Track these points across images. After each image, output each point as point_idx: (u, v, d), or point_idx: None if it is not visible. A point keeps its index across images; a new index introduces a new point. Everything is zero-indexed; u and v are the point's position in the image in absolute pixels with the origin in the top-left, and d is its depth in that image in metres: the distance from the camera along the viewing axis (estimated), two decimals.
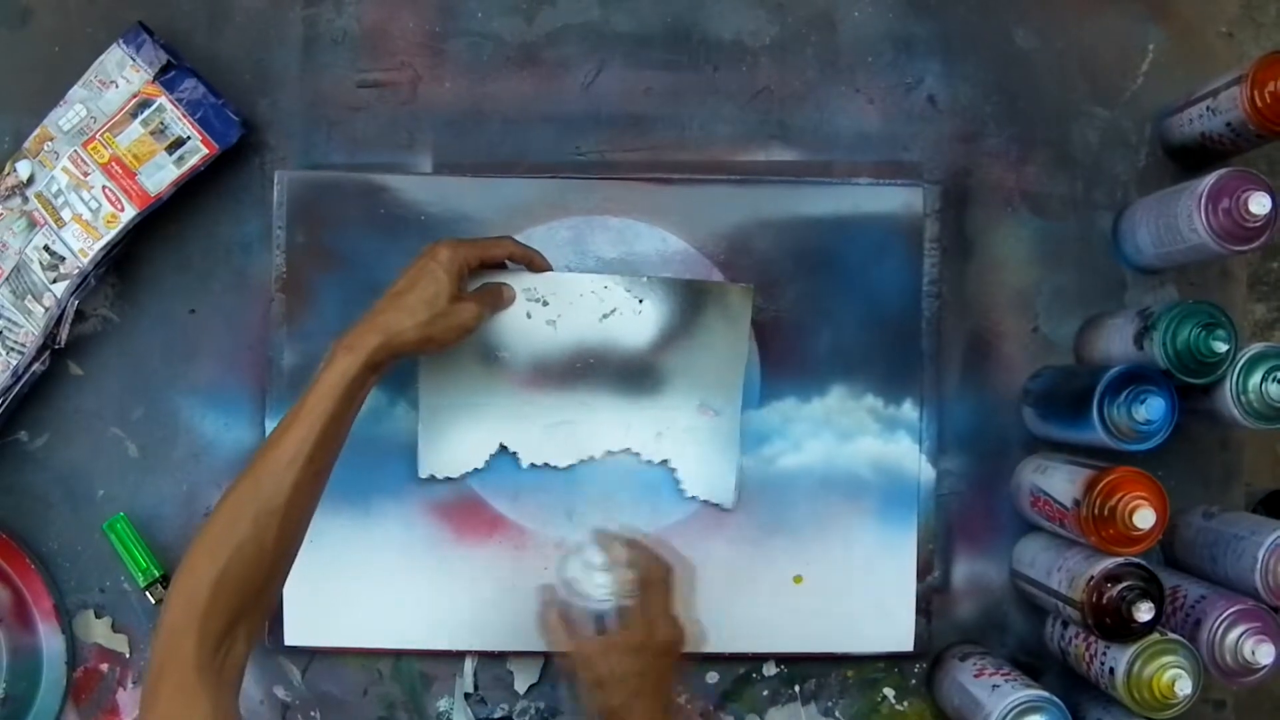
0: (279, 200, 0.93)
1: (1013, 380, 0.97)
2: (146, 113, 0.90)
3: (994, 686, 0.86)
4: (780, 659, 0.96)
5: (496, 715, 0.96)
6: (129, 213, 0.90)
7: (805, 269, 0.94)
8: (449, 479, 0.92)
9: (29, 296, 0.90)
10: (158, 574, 0.93)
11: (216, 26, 0.95)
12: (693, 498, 0.93)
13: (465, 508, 0.93)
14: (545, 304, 0.90)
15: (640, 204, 0.94)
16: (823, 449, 0.94)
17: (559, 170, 0.95)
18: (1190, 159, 0.96)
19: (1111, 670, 0.84)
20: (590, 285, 0.91)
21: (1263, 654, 0.82)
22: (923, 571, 0.95)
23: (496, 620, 0.93)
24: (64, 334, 0.91)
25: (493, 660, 0.96)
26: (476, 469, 0.92)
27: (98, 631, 0.94)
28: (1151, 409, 0.82)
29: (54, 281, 0.90)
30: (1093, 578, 0.83)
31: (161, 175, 0.90)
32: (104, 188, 0.90)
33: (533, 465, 0.92)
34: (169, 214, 0.93)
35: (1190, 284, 0.98)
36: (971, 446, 0.97)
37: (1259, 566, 0.84)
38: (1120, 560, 0.83)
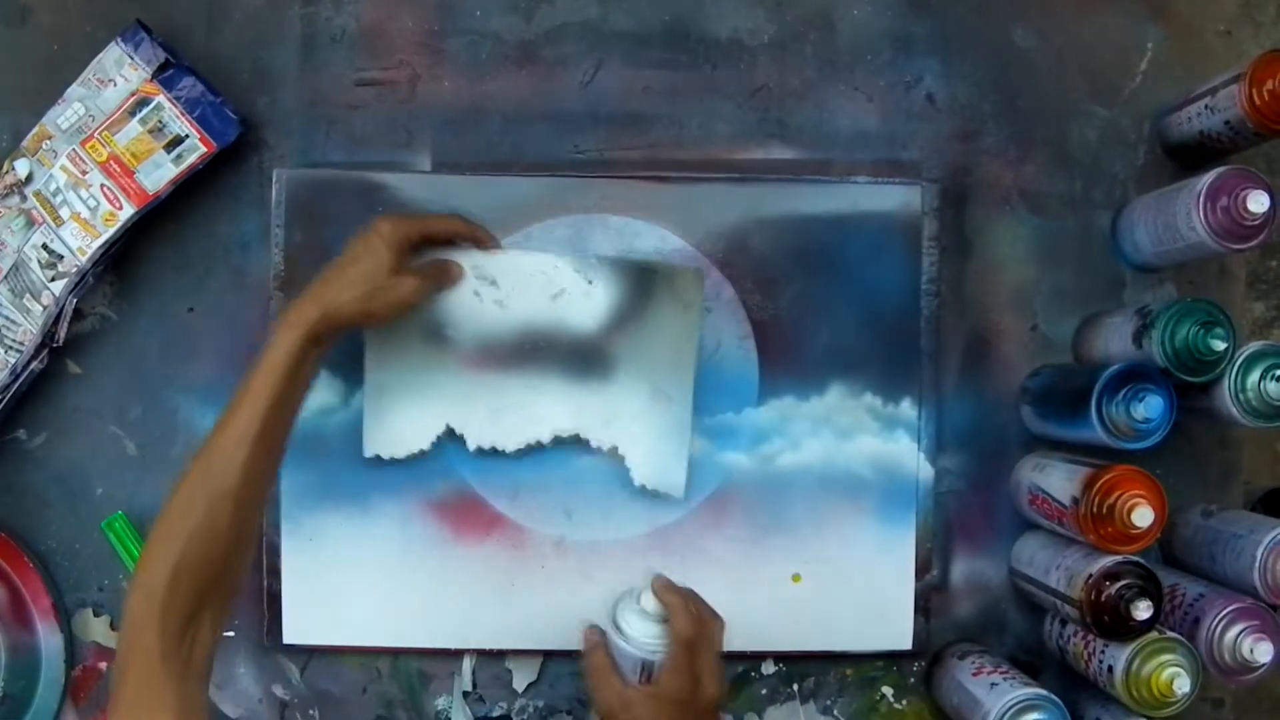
0: (277, 199, 0.93)
1: (1011, 379, 0.97)
2: (145, 111, 0.90)
3: (992, 685, 0.86)
4: (779, 657, 0.96)
5: (495, 714, 0.96)
6: (127, 211, 0.90)
7: (804, 267, 0.94)
8: (394, 459, 0.91)
9: (27, 295, 0.90)
10: None
11: (215, 25, 0.95)
12: (641, 486, 0.92)
13: (463, 506, 0.93)
14: (494, 283, 0.89)
15: (639, 202, 0.94)
16: (821, 448, 0.94)
17: (557, 169, 0.95)
18: (1189, 157, 0.96)
19: (1110, 668, 0.84)
20: (540, 265, 0.90)
21: (1261, 652, 0.82)
22: (921, 570, 0.95)
23: (495, 619, 0.93)
24: (62, 332, 0.91)
25: (491, 659, 0.96)
26: (423, 450, 0.91)
27: (96, 630, 0.94)
28: (1150, 407, 0.82)
29: (52, 280, 0.90)
30: (1091, 576, 0.83)
31: (160, 174, 0.90)
32: (102, 186, 0.90)
33: (479, 449, 0.91)
34: (167, 212, 0.93)
35: (1189, 282, 0.98)
36: (970, 445, 0.97)
37: (1257, 565, 0.84)
38: (1119, 558, 0.83)
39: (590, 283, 0.89)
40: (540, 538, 0.93)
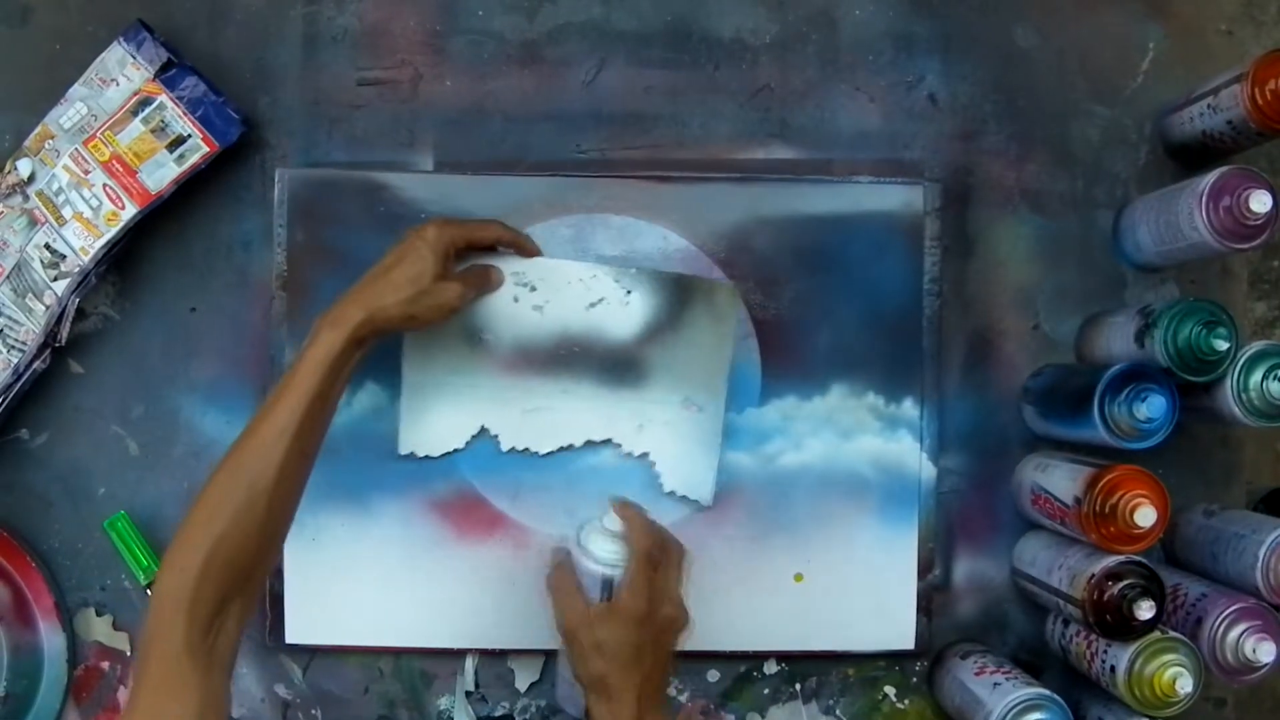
0: (280, 198, 0.93)
1: (1013, 378, 0.97)
2: (147, 111, 0.90)
3: (995, 684, 0.86)
4: (781, 657, 0.96)
5: (497, 714, 0.96)
6: (130, 211, 0.90)
7: (806, 267, 0.94)
8: (429, 457, 0.92)
9: (30, 294, 0.90)
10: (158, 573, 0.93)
11: (217, 24, 0.95)
12: (670, 493, 0.93)
13: (465, 506, 0.93)
14: (533, 289, 0.90)
15: (641, 202, 0.94)
16: (823, 447, 0.94)
17: (560, 168, 0.95)
18: (1191, 157, 0.96)
19: (1112, 668, 0.84)
20: (579, 273, 0.91)
21: (1263, 652, 0.82)
22: (923, 570, 0.95)
23: (497, 618, 0.93)
24: (65, 332, 0.91)
25: (494, 658, 0.96)
26: (457, 449, 0.92)
27: (98, 630, 0.94)
28: (1152, 407, 0.82)
29: (55, 279, 0.90)
30: (1094, 576, 0.83)
31: (162, 173, 0.90)
32: (105, 186, 0.90)
33: (513, 449, 0.92)
34: (170, 212, 0.93)
35: (1191, 282, 0.98)
36: (972, 445, 0.97)
37: (1260, 565, 0.84)
38: (1121, 558, 0.83)
39: (628, 292, 0.91)
40: (542, 538, 0.93)
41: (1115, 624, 0.82)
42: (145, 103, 0.90)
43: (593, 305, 0.91)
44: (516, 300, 0.90)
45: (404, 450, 0.92)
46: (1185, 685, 0.81)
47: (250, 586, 0.73)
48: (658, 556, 0.80)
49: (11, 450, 0.94)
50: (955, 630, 0.96)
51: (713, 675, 0.96)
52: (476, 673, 0.96)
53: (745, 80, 0.97)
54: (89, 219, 0.90)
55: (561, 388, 0.92)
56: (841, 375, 0.94)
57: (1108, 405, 0.84)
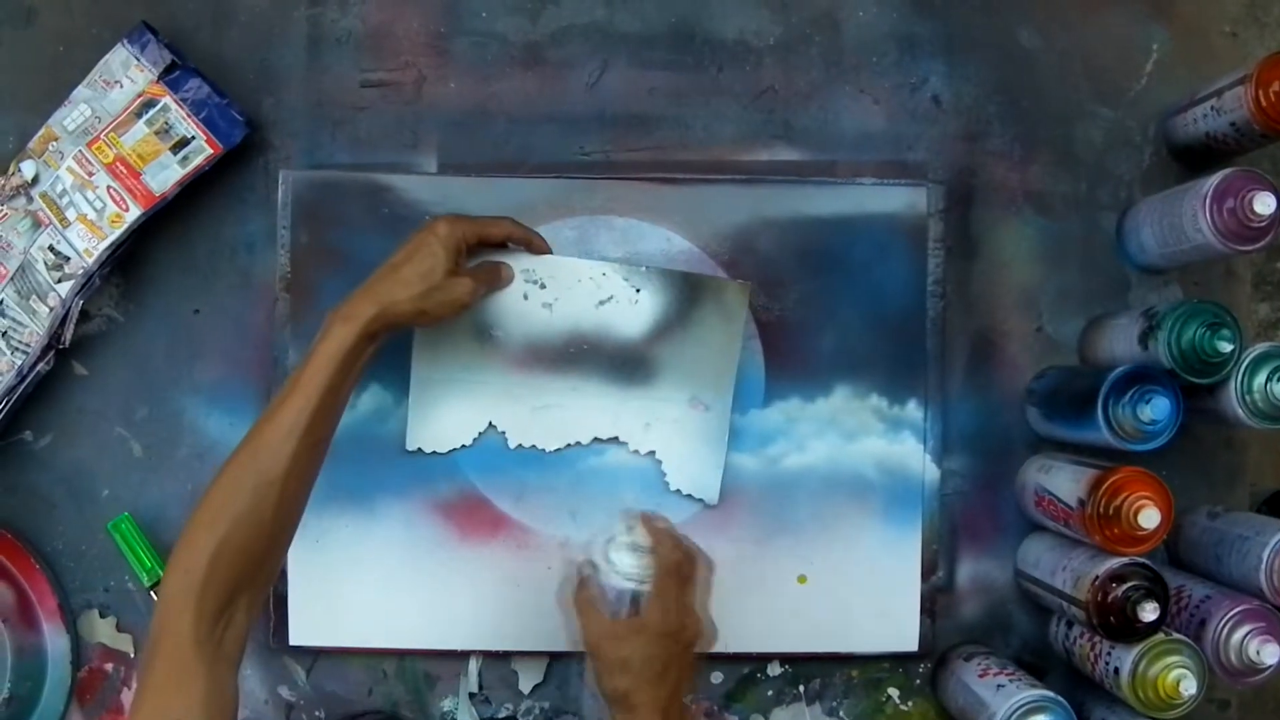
0: (283, 200, 0.93)
1: (1017, 380, 0.97)
2: (151, 112, 0.90)
3: (998, 686, 0.86)
4: (785, 659, 0.96)
5: (501, 715, 0.96)
6: (133, 213, 0.90)
7: (809, 269, 0.94)
8: (436, 454, 0.92)
9: (34, 296, 0.90)
10: (162, 574, 0.93)
11: (221, 26, 0.95)
12: (676, 491, 0.93)
13: (469, 507, 0.93)
14: (543, 287, 0.90)
15: (644, 204, 0.94)
16: (827, 449, 0.94)
17: (563, 170, 0.95)
18: (1194, 159, 0.96)
19: (1116, 670, 0.84)
20: (589, 271, 0.91)
21: (1268, 654, 0.82)
22: (927, 571, 0.95)
23: (501, 620, 0.93)
24: (68, 334, 0.91)
25: (497, 660, 0.96)
26: (464, 445, 0.92)
27: (102, 631, 0.94)
28: (1156, 409, 0.82)
29: (59, 281, 0.90)
30: (1097, 578, 0.83)
31: (166, 175, 0.90)
32: (109, 188, 0.90)
33: (520, 446, 0.92)
34: (173, 214, 0.93)
35: (1195, 284, 0.98)
36: (976, 446, 0.97)
37: (1264, 566, 0.84)
38: (1125, 560, 0.83)
39: (638, 291, 0.91)
40: (545, 539, 0.93)
41: (1119, 626, 0.82)
42: (149, 104, 0.90)
43: (602, 303, 0.91)
44: (526, 297, 0.90)
45: (411, 446, 0.92)
46: (1189, 687, 0.81)
47: (259, 581, 0.73)
48: (686, 571, 0.79)
49: (15, 452, 0.94)
50: (959, 632, 0.96)
51: (716, 677, 0.96)
52: (480, 674, 0.96)
53: (749, 82, 0.97)
54: (93, 221, 0.90)
55: (570, 385, 0.92)
56: (845, 377, 0.94)
57: (1111, 407, 0.84)
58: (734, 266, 0.94)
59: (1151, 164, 0.98)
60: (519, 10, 0.96)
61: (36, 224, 0.90)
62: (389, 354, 0.90)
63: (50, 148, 0.90)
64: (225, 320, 0.95)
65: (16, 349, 0.90)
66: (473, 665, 0.95)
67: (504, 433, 0.92)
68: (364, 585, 0.93)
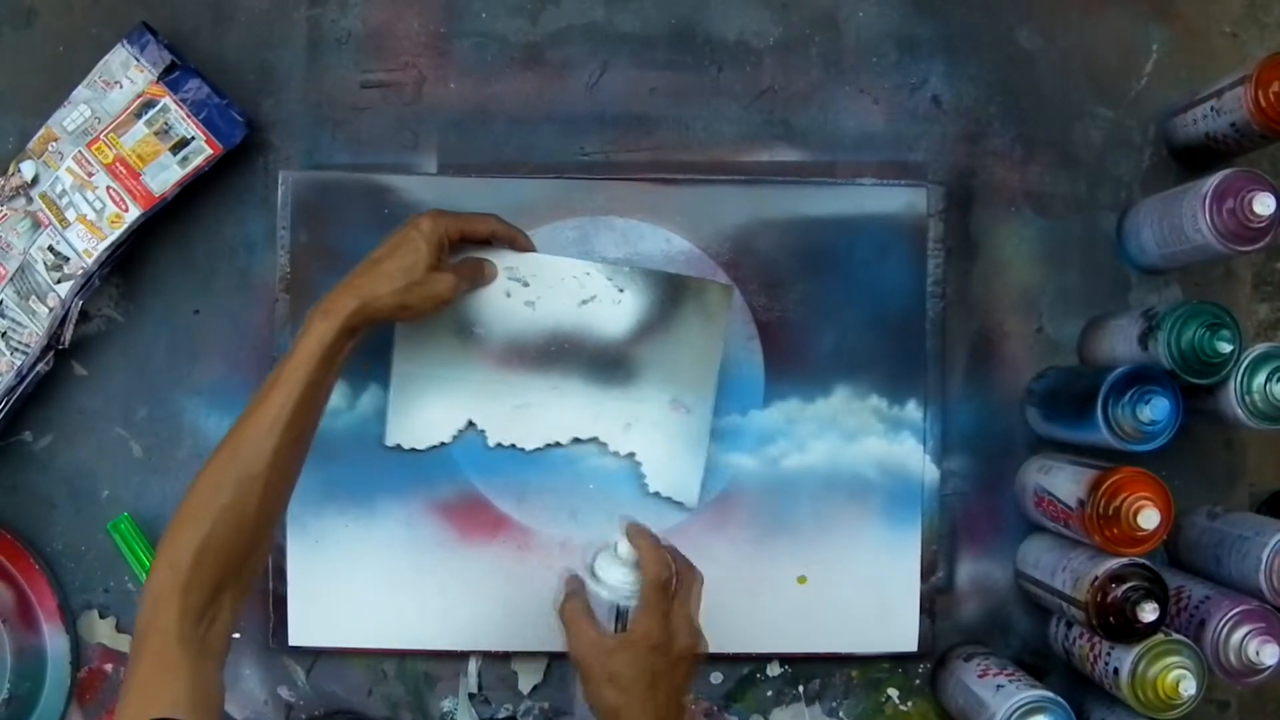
0: (283, 200, 0.93)
1: (1017, 381, 0.97)
2: (151, 113, 0.90)
3: (998, 687, 0.86)
4: (784, 659, 0.96)
5: (501, 715, 0.96)
6: (133, 213, 0.90)
7: (809, 269, 0.94)
8: (416, 450, 0.92)
9: (33, 297, 0.90)
10: None
11: (220, 27, 0.95)
12: (655, 493, 0.93)
13: (469, 508, 0.93)
14: (526, 284, 0.90)
15: (644, 204, 0.94)
16: (827, 449, 0.94)
17: (563, 170, 0.95)
18: (1194, 159, 0.96)
19: (1116, 671, 0.84)
20: (572, 270, 0.91)
21: (1267, 654, 0.82)
22: (927, 572, 0.95)
23: (501, 620, 0.93)
24: (68, 334, 0.91)
25: (497, 660, 0.96)
26: (444, 442, 0.92)
27: (102, 631, 0.94)
28: (1156, 409, 0.82)
29: (58, 282, 0.90)
30: (1097, 578, 0.83)
31: (165, 175, 0.90)
32: (108, 188, 0.90)
33: (500, 444, 0.92)
34: (173, 214, 0.93)
35: (1194, 284, 0.98)
36: (976, 447, 0.97)
37: (1263, 567, 0.84)
38: (1124, 561, 0.83)
39: (621, 291, 0.90)
40: (546, 539, 0.93)
41: (1119, 626, 0.82)
42: (149, 105, 0.90)
43: (585, 302, 0.91)
44: (509, 295, 0.90)
45: (390, 442, 0.92)
46: (1189, 688, 0.81)
47: (243, 576, 0.73)
48: (673, 584, 0.79)
49: (15, 452, 0.94)
50: (958, 632, 0.96)
51: (716, 677, 0.96)
52: (480, 674, 0.96)
53: (749, 82, 0.97)
54: (92, 221, 0.90)
55: (551, 384, 0.92)
56: (845, 377, 0.94)
57: (1111, 407, 0.84)
58: (734, 267, 0.94)
59: (1151, 164, 0.98)
60: (519, 11, 0.96)
61: (36, 224, 0.90)
62: (388, 353, 0.90)
63: (50, 148, 0.90)
64: (225, 321, 0.95)
65: (16, 349, 0.90)
66: (472, 666, 0.95)
67: (483, 430, 0.92)
68: (364, 586, 0.93)
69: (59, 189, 0.90)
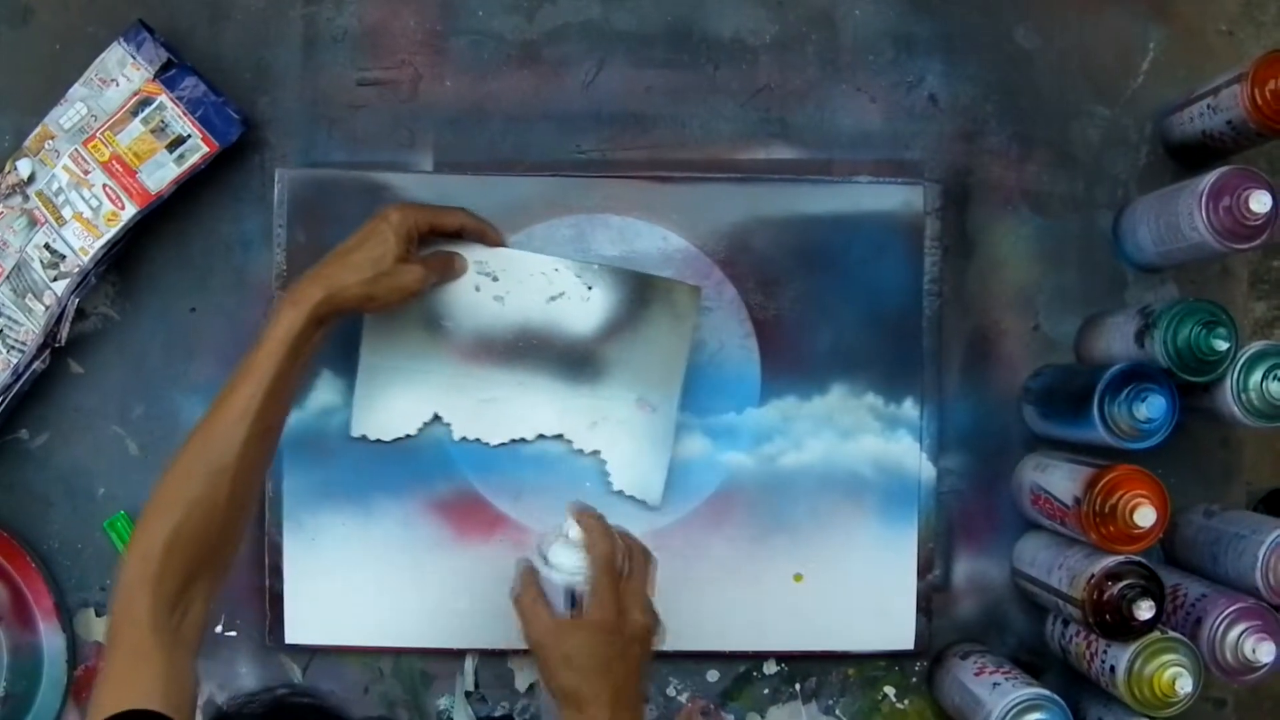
0: (279, 198, 0.93)
1: (1013, 378, 0.97)
2: (147, 111, 0.90)
3: (994, 685, 0.86)
4: (781, 657, 0.96)
5: (497, 714, 0.96)
6: (129, 211, 0.90)
7: (806, 267, 0.94)
8: (380, 441, 0.92)
9: (29, 295, 0.90)
10: None
11: (217, 25, 0.95)
12: (619, 491, 0.92)
13: (466, 506, 0.93)
14: (495, 279, 0.90)
15: (641, 202, 0.94)
16: (823, 447, 0.94)
17: (560, 169, 0.95)
18: (1191, 157, 0.96)
19: (1112, 668, 0.84)
20: (541, 266, 0.91)
21: (1263, 652, 0.82)
22: (923, 570, 0.95)
23: (497, 619, 0.92)
24: (64, 332, 0.91)
25: (493, 658, 0.96)
26: (409, 434, 0.92)
27: (98, 630, 0.94)
28: (1152, 407, 0.82)
29: (54, 280, 0.90)
30: (1093, 576, 0.83)
31: (162, 173, 0.90)
32: (104, 186, 0.90)
33: (464, 439, 0.92)
34: (169, 212, 0.93)
35: (1191, 282, 0.98)
36: (972, 445, 0.97)
37: (1260, 565, 0.84)
38: (1121, 558, 0.83)
39: (589, 288, 0.90)
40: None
41: (1115, 624, 0.82)
42: (145, 103, 0.90)
43: (553, 299, 0.91)
44: (478, 289, 0.90)
45: (356, 433, 0.92)
46: (1185, 685, 0.81)
47: (216, 566, 0.73)
48: (621, 564, 0.79)
49: (11, 450, 0.94)
50: (955, 630, 0.96)
51: (712, 675, 0.96)
52: (476, 673, 0.96)
53: (745, 80, 0.97)
54: (89, 219, 0.90)
55: (517, 379, 0.91)
56: (841, 375, 0.94)
57: (1108, 405, 0.84)
58: (731, 265, 0.94)
59: (1148, 162, 0.98)
60: (515, 9, 0.96)
61: (32, 222, 0.90)
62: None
63: (46, 146, 0.90)
64: (221, 319, 0.95)
65: (12, 347, 0.90)
66: (469, 664, 0.95)
67: (449, 424, 0.92)
68: (361, 584, 0.93)
69: (55, 187, 0.90)
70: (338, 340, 0.87)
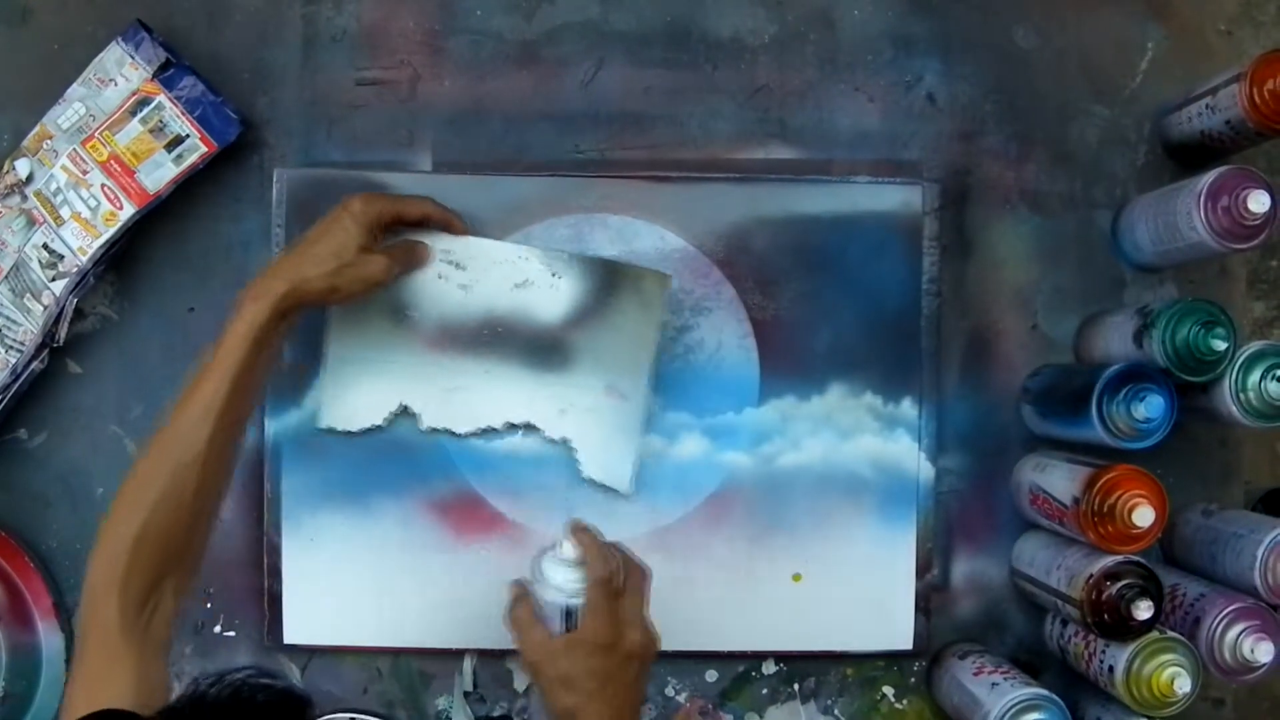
0: (278, 198, 0.93)
1: (1012, 378, 0.97)
2: (145, 111, 0.90)
3: (993, 685, 0.86)
4: (779, 657, 0.96)
5: (496, 714, 0.96)
6: (128, 211, 0.90)
7: (804, 267, 0.94)
8: (349, 433, 0.92)
9: (28, 295, 0.90)
10: None
11: (215, 24, 0.95)
12: (589, 480, 0.92)
13: (464, 506, 0.93)
14: (461, 268, 0.90)
15: (639, 202, 0.94)
16: (822, 447, 0.94)
17: (558, 168, 0.95)
18: (1189, 157, 0.96)
19: (1111, 668, 0.84)
20: (507, 254, 0.90)
21: (1261, 652, 0.82)
22: (922, 569, 0.95)
23: (496, 619, 0.92)
24: (63, 332, 0.91)
25: (492, 659, 0.96)
26: (377, 425, 0.92)
27: None
28: (1151, 407, 0.82)
29: (53, 280, 0.90)
30: (1092, 576, 0.83)
31: (160, 173, 0.90)
32: (103, 186, 0.90)
33: (433, 429, 0.92)
34: (168, 212, 0.93)
35: (1189, 282, 0.98)
36: (971, 445, 0.97)
37: (1258, 564, 0.84)
38: (1119, 558, 0.83)
39: (555, 275, 0.90)
40: (541, 537, 0.93)
41: (1113, 624, 0.82)
42: (144, 103, 0.90)
43: (519, 286, 0.90)
44: (443, 278, 0.90)
45: (323, 425, 0.92)
46: (1183, 685, 0.81)
47: (184, 564, 0.73)
48: (618, 582, 0.78)
49: (10, 450, 0.94)
50: (954, 630, 0.96)
51: (711, 675, 0.96)
52: (475, 673, 0.96)
53: (744, 80, 0.97)
54: (87, 219, 0.90)
55: (485, 368, 0.91)
56: (840, 375, 0.94)
57: (1106, 405, 0.84)
58: (729, 265, 0.94)
59: (1147, 162, 0.98)
60: (514, 9, 0.96)
61: (31, 222, 0.90)
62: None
63: (45, 146, 0.90)
64: (220, 318, 0.93)
65: (11, 347, 0.90)
66: (467, 664, 0.95)
67: (417, 414, 0.92)
68: (359, 584, 0.93)
69: (54, 186, 0.90)
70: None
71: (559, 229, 0.94)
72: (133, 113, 0.90)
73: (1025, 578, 0.93)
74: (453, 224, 0.89)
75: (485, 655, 0.95)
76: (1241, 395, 0.84)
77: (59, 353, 0.92)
